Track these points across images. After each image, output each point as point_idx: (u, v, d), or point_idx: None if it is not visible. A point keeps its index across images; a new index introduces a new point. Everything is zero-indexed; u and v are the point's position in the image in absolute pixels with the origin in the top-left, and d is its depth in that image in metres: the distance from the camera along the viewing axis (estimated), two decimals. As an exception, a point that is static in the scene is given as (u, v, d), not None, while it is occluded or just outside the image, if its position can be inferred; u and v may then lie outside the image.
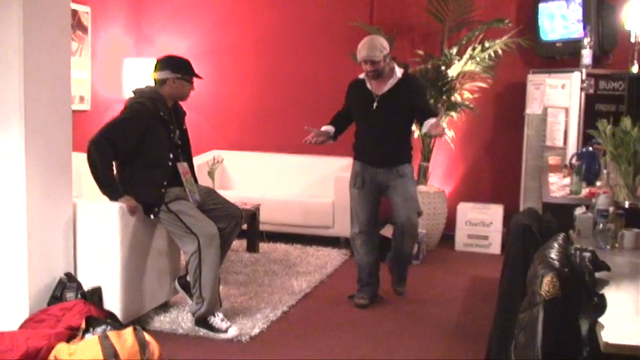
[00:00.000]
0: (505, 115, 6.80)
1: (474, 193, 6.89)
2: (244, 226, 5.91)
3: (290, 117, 7.31)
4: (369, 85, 4.86)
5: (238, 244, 6.24)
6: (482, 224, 6.53)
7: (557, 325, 2.27)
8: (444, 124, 4.84)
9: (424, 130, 4.79)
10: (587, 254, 2.55)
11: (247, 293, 4.99)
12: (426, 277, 5.53)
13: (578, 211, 3.50)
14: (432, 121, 4.68)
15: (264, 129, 7.42)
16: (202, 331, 4.24)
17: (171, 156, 4.34)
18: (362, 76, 4.93)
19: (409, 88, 4.84)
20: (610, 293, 2.51)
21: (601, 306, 2.38)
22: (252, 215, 6.12)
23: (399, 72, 4.86)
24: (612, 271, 2.72)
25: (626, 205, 3.69)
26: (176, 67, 4.38)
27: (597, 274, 2.59)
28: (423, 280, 5.47)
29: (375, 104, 4.80)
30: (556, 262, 2.38)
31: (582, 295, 2.41)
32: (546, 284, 2.28)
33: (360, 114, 4.93)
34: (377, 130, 4.82)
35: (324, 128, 5.02)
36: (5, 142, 3.84)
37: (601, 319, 2.27)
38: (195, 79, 4.45)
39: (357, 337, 4.33)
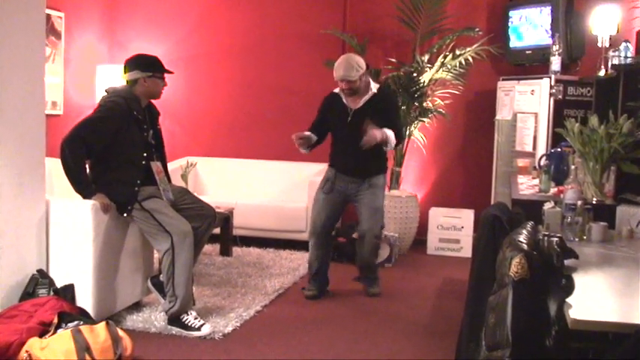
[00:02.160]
0: (476, 121, 6.90)
1: (445, 198, 6.98)
2: (217, 230, 5.92)
3: (263, 123, 7.35)
4: (344, 100, 4.99)
5: (211, 248, 6.25)
6: (454, 228, 6.61)
7: (526, 305, 2.31)
8: (390, 143, 4.96)
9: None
10: (555, 239, 2.60)
11: (220, 294, 4.99)
12: (399, 279, 5.57)
13: (547, 206, 3.57)
14: (381, 130, 4.78)
15: (238, 135, 7.45)
16: (175, 330, 4.23)
17: (144, 155, 4.35)
18: (337, 90, 5.05)
19: (382, 103, 5.00)
20: (578, 277, 2.57)
21: (569, 287, 2.44)
22: (226, 219, 6.13)
23: (374, 87, 5.00)
24: (580, 260, 2.78)
25: (594, 201, 3.77)
26: (145, 65, 4.40)
27: (566, 262, 2.65)
28: (395, 281, 5.52)
29: (349, 119, 4.94)
30: (524, 245, 2.43)
31: (551, 277, 2.46)
32: (515, 265, 2.32)
33: (336, 127, 5.08)
34: (351, 144, 4.90)
35: (307, 134, 5.07)
36: (-21, 140, 3.84)
37: (569, 299, 2.32)
38: (167, 75, 4.46)
39: (331, 335, 4.35)
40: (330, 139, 5.19)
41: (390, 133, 4.88)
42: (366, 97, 4.95)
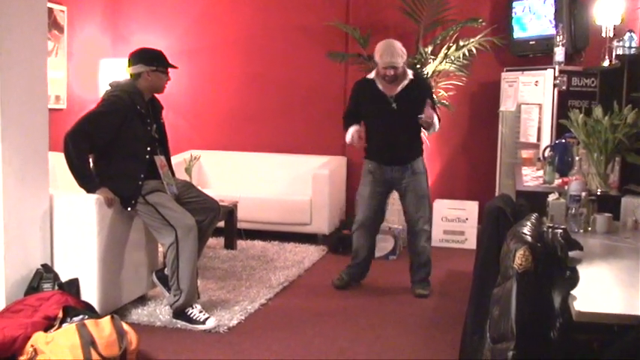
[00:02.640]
0: (480, 112, 6.88)
1: (449, 189, 6.96)
2: (222, 223, 5.92)
3: (267, 116, 7.34)
4: (380, 86, 4.93)
5: (216, 242, 6.25)
6: (458, 220, 6.60)
7: (530, 297, 2.31)
8: (434, 126, 4.98)
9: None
10: (559, 231, 2.60)
11: (225, 287, 5.00)
12: (403, 271, 5.54)
13: (551, 198, 3.56)
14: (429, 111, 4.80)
15: (242, 129, 7.44)
16: (180, 323, 4.25)
17: (148, 149, 4.35)
18: (371, 76, 5.00)
19: (421, 88, 5.00)
20: (582, 269, 2.56)
21: (573, 279, 2.44)
22: (230, 212, 6.13)
23: (410, 73, 4.98)
24: (585, 251, 2.78)
25: (598, 192, 3.76)
26: (149, 59, 4.39)
27: (570, 254, 2.64)
28: (399, 274, 5.50)
29: (393, 105, 4.89)
30: (528, 237, 2.43)
31: (555, 269, 2.46)
32: (519, 257, 2.32)
33: (375, 115, 4.99)
34: (394, 130, 4.92)
35: (354, 129, 4.98)
36: (-17, 135, 3.84)
37: (573, 292, 2.32)
38: (170, 70, 4.46)
39: (335, 328, 4.36)
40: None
41: (435, 117, 4.90)
42: (405, 83, 4.91)
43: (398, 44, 4.90)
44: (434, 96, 5.30)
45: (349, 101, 5.19)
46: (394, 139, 4.94)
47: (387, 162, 4.99)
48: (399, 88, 4.91)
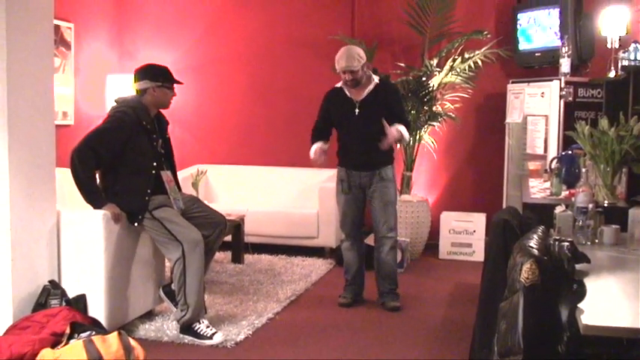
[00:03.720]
0: (486, 124, 6.88)
1: (456, 202, 6.96)
2: (229, 237, 5.93)
3: (273, 130, 7.36)
4: (347, 93, 5.01)
5: (223, 256, 6.25)
6: (466, 232, 6.58)
7: (537, 311, 2.29)
8: (405, 139, 5.09)
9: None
10: (566, 244, 2.59)
11: (232, 301, 4.99)
12: (411, 284, 5.55)
13: (558, 210, 3.54)
14: (395, 128, 4.85)
15: (248, 143, 7.45)
16: (187, 338, 4.24)
17: (154, 164, 4.36)
18: (339, 85, 5.09)
19: (386, 93, 5.03)
20: (590, 282, 2.55)
21: (580, 292, 2.42)
22: (237, 226, 6.13)
23: (375, 78, 5.04)
24: (592, 264, 2.75)
25: (605, 204, 3.74)
26: (155, 75, 4.41)
27: (577, 266, 2.63)
28: (407, 286, 5.49)
29: (356, 110, 4.95)
30: (535, 250, 2.42)
31: (562, 283, 2.44)
32: (525, 271, 2.30)
33: (342, 121, 5.06)
34: (359, 135, 4.96)
35: (318, 146, 5.08)
36: (-11, 153, 3.86)
37: (581, 305, 2.30)
38: (176, 85, 4.48)
39: (343, 342, 4.34)
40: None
41: (403, 130, 4.93)
42: (370, 88, 4.97)
43: (355, 48, 4.97)
44: (402, 104, 5.31)
45: (318, 113, 5.24)
46: (359, 144, 4.98)
47: (355, 167, 5.02)
48: (365, 93, 4.97)
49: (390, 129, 4.83)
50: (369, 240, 5.62)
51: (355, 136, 4.98)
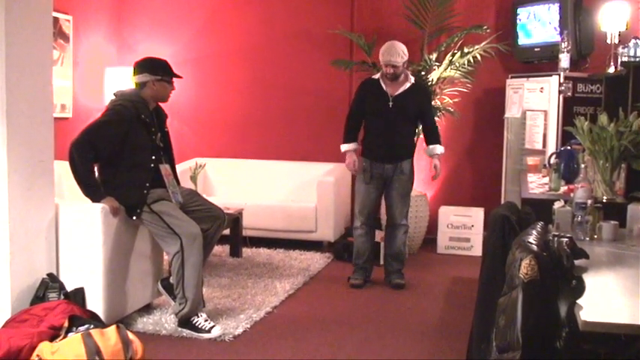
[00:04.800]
0: (485, 119, 6.88)
1: (455, 196, 6.96)
2: (227, 231, 5.92)
3: (271, 124, 7.35)
4: (384, 86, 5.26)
5: (221, 249, 6.25)
6: (464, 227, 6.59)
7: (536, 307, 2.29)
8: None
9: (429, 153, 5.52)
10: (565, 239, 2.59)
11: (230, 295, 4.99)
12: (409, 278, 5.54)
13: (557, 205, 3.54)
14: (436, 153, 5.47)
15: (247, 136, 7.45)
16: (185, 332, 4.24)
17: (153, 158, 4.35)
18: (376, 76, 5.36)
19: (420, 94, 5.40)
20: (588, 278, 2.55)
21: (579, 288, 2.43)
22: (235, 220, 6.13)
23: (412, 78, 5.34)
24: (591, 260, 2.76)
25: (604, 200, 3.74)
26: (155, 68, 4.40)
27: (576, 262, 2.63)
28: (405, 281, 5.50)
29: (390, 103, 5.25)
30: (534, 246, 2.42)
31: (561, 278, 2.45)
32: (524, 267, 2.31)
33: (375, 111, 5.33)
34: (388, 128, 5.26)
35: (353, 148, 5.42)
36: (-13, 146, 3.85)
37: (579, 301, 2.31)
38: (175, 79, 4.47)
39: (341, 337, 4.34)
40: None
41: (439, 149, 5.47)
42: (406, 86, 5.27)
43: (400, 45, 5.25)
44: (432, 105, 5.70)
45: (353, 100, 5.51)
46: (387, 137, 5.27)
47: (379, 159, 5.30)
48: (401, 89, 5.26)
49: (435, 162, 5.44)
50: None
51: (385, 128, 5.25)
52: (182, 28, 7.52)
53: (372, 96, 5.32)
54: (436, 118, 6.59)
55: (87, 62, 7.04)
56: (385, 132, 5.26)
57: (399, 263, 5.45)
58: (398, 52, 5.17)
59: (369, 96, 5.35)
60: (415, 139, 5.70)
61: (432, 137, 5.47)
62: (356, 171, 5.41)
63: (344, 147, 5.40)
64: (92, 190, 4.18)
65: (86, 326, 3.60)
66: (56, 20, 6.33)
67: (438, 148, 5.46)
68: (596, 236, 3.35)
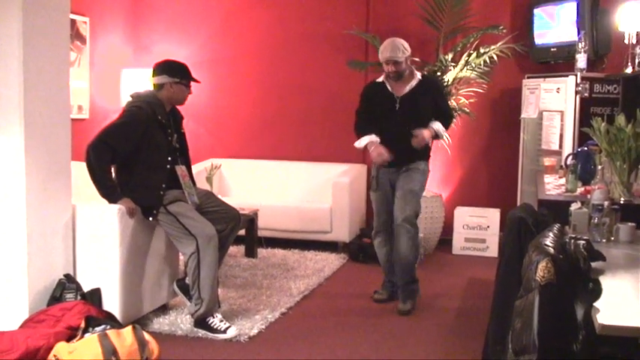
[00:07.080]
0: (501, 119, 6.85)
1: (470, 197, 6.93)
2: (242, 232, 5.94)
3: (287, 125, 7.36)
4: (389, 87, 4.91)
5: (236, 250, 6.27)
6: (480, 228, 6.57)
7: (552, 309, 2.28)
8: (440, 134, 4.99)
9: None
10: (582, 242, 2.58)
11: (246, 296, 5.00)
12: (424, 279, 5.53)
13: (574, 207, 3.52)
14: (432, 126, 4.83)
15: (262, 137, 7.46)
16: (201, 332, 4.26)
17: (169, 159, 4.38)
18: (380, 79, 4.99)
19: (430, 88, 4.94)
20: (605, 281, 2.53)
21: (596, 291, 2.41)
22: (250, 220, 6.14)
23: (418, 74, 4.94)
24: (608, 262, 2.74)
25: (622, 201, 3.72)
26: (173, 71, 4.43)
27: (593, 264, 2.61)
28: (420, 282, 5.46)
29: (396, 105, 4.86)
30: (551, 249, 2.41)
31: (577, 281, 2.43)
32: (541, 269, 2.30)
33: (381, 115, 4.91)
34: (396, 132, 4.83)
35: (374, 139, 4.89)
36: (6, 146, 3.89)
37: (596, 304, 2.29)
38: (192, 84, 4.49)
39: (357, 338, 4.34)
40: None
41: (437, 126, 4.86)
42: (412, 84, 4.87)
43: (400, 40, 4.86)
44: (445, 97, 5.20)
45: (357, 109, 5.09)
46: (396, 142, 4.81)
47: (390, 165, 4.88)
48: (407, 88, 4.87)
49: (421, 131, 4.75)
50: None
51: (393, 132, 4.83)
52: (198, 30, 7.55)
53: (376, 100, 4.94)
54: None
55: (103, 64, 7.08)
56: (394, 137, 4.81)
57: (404, 274, 4.87)
58: (398, 47, 4.76)
59: (372, 100, 4.97)
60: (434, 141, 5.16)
61: (440, 118, 4.91)
62: (386, 160, 4.82)
63: (364, 140, 4.90)
64: (109, 191, 4.20)
65: (103, 327, 3.63)
66: (73, 22, 6.37)
67: (436, 124, 4.87)
68: (613, 238, 3.32)
